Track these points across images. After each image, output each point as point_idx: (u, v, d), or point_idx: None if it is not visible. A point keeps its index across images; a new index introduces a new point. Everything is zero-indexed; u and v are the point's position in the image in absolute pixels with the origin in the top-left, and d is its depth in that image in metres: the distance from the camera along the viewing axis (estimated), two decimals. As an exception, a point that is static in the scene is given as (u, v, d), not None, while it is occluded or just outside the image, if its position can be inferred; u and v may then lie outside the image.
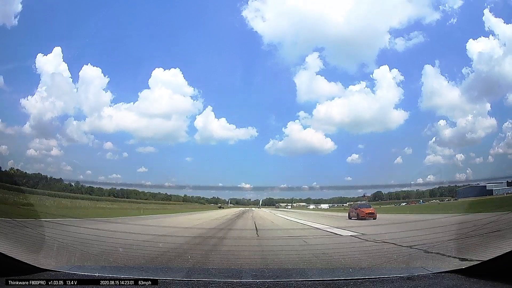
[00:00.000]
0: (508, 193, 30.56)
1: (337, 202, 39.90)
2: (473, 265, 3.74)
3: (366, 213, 20.29)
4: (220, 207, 43.31)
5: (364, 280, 3.36)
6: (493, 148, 35.53)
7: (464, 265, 3.97)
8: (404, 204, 37.43)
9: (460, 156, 37.31)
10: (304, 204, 42.82)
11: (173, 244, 9.16)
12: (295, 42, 41.96)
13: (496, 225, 9.43)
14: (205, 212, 35.11)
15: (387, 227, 15.60)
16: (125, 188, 38.84)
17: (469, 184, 35.92)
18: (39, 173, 32.16)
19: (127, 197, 37.89)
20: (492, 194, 30.42)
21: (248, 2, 40.51)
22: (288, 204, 44.35)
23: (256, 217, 24.05)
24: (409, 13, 39.88)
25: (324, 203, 39.80)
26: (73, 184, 34.36)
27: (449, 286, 3.19)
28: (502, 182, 31.39)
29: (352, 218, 21.32)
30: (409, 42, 37.05)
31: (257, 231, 14.26)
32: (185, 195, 42.98)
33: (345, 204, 36.10)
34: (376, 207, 28.58)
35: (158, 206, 37.11)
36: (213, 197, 47.07)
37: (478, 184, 33.20)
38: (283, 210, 39.34)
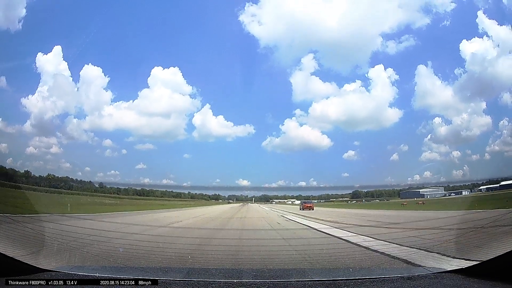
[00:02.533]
0: (435, 197, 37.63)
1: (325, 199, 46.51)
2: (473, 265, 3.73)
3: (306, 206, 32.52)
4: (229, 202, 50.88)
5: (364, 280, 3.36)
6: (489, 145, 37.33)
7: (464, 265, 3.97)
8: (354, 202, 44.22)
9: (456, 153, 39.08)
10: (293, 200, 47.97)
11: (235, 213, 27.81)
12: (290, 45, 44.78)
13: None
14: (224, 205, 45.70)
15: (307, 212, 27.26)
16: (135, 187, 41.65)
17: (405, 189, 42.47)
18: (67, 176, 35.46)
19: (147, 195, 41.36)
20: (424, 197, 37.88)
21: (245, 8, 41.95)
22: (281, 200, 51.12)
23: (249, 206, 42.99)
24: (401, 17, 42.90)
25: (314, 200, 45.07)
26: (96, 185, 37.34)
27: (449, 286, 3.19)
28: (440, 187, 38.81)
29: (301, 209, 32.60)
30: (403, 44, 38.72)
31: (247, 208, 36.27)
32: (189, 192, 46.71)
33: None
34: (330, 202, 43.92)
35: (183, 202, 42.50)
36: (214, 194, 51.04)
37: (415, 189, 40.21)
38: (267, 204, 48.19)
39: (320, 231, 12.16)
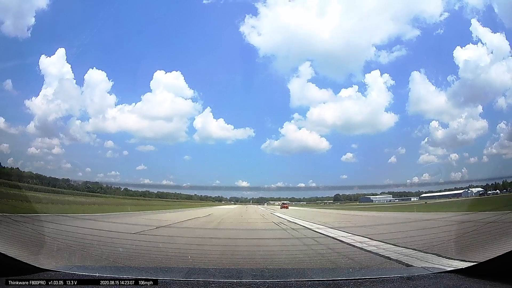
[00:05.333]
0: (382, 202, 42.68)
1: (313, 201, 50.86)
2: (473, 265, 3.73)
3: (284, 206, 41.67)
4: (234, 203, 54.00)
5: (364, 280, 3.36)
6: (487, 148, 38.27)
7: (464, 265, 3.97)
8: (321, 204, 49.32)
9: (454, 156, 39.98)
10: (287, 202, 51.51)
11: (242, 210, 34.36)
12: (287, 54, 46.86)
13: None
14: (232, 205, 49.29)
15: (282, 210, 34.50)
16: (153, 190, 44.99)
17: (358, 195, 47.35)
18: (97, 182, 37.11)
19: (164, 198, 44.24)
20: (372, 202, 43.66)
21: (245, 19, 43.38)
22: (276, 201, 53.61)
23: (248, 206, 46.79)
24: (393, 28, 43.94)
25: (303, 202, 51.00)
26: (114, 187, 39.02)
27: (449, 286, 3.19)
28: (389, 195, 43.78)
29: (280, 208, 40.74)
30: (394, 54, 39.36)
31: (246, 206, 44.60)
32: (195, 195, 48.65)
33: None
34: (309, 203, 50.09)
35: (198, 203, 46.03)
36: (217, 196, 53.40)
37: (368, 195, 45.82)
38: (260, 205, 53.11)
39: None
